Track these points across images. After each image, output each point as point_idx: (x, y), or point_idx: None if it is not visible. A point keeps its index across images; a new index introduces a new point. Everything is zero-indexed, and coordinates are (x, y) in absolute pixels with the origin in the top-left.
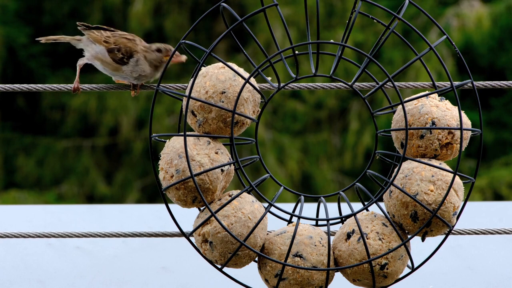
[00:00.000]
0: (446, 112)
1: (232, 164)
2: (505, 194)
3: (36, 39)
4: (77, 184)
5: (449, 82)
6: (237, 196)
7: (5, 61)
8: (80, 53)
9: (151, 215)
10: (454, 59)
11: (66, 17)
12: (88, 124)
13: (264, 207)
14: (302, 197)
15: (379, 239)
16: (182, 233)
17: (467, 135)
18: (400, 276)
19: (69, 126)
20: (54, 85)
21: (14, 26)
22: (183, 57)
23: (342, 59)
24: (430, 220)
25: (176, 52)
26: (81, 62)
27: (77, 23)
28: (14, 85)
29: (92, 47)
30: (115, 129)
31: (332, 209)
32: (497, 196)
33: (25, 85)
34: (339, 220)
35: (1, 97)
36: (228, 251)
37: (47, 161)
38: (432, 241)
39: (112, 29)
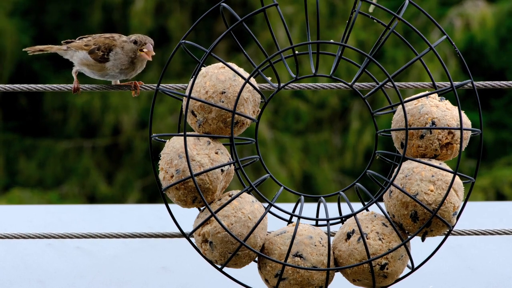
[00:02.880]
0: (446, 112)
1: (232, 164)
2: (508, 194)
3: (24, 49)
4: (78, 185)
5: (449, 82)
6: (237, 196)
7: (7, 63)
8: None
9: (151, 215)
10: (457, 59)
11: (68, 18)
12: (90, 124)
13: (264, 207)
14: (302, 197)
15: (379, 239)
16: (182, 233)
17: (467, 135)
18: (400, 276)
19: (71, 126)
20: (54, 85)
21: (16, 27)
22: (151, 53)
23: (343, 59)
24: (430, 220)
25: (149, 44)
26: (74, 69)
27: (62, 42)
28: (15, 85)
29: (76, 55)
30: (116, 129)
31: (332, 209)
32: (500, 196)
33: (25, 85)
34: (339, 220)
35: (3, 98)
36: (228, 251)
37: (48, 163)
38: (432, 241)
39: (93, 35)
